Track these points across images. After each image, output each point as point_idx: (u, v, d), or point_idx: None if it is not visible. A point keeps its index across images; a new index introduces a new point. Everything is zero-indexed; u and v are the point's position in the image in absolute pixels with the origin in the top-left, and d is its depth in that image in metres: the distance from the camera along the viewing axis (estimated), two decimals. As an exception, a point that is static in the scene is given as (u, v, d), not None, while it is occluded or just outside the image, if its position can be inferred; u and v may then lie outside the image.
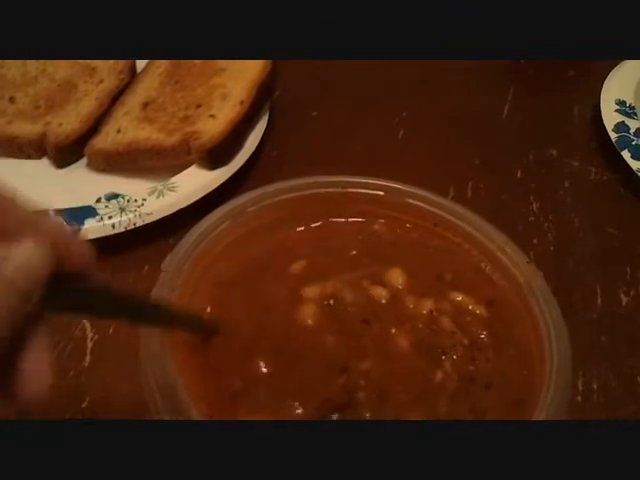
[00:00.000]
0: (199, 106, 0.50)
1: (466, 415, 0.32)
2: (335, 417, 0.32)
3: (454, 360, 0.34)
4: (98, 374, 0.39)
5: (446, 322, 0.36)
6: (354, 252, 0.39)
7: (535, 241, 0.48)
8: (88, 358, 0.40)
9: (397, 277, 0.38)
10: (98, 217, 0.43)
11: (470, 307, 0.37)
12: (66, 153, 0.49)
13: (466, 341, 0.35)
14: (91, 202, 0.45)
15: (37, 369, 0.23)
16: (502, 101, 0.60)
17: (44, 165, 0.50)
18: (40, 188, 0.45)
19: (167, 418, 0.29)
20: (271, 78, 0.52)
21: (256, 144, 0.49)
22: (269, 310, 0.35)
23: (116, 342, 0.40)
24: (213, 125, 0.48)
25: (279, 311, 0.35)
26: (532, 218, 0.50)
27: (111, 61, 0.55)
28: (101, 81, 0.53)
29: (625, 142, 0.54)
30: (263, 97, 0.51)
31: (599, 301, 0.45)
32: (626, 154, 0.53)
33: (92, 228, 0.43)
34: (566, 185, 0.53)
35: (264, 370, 0.32)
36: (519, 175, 0.53)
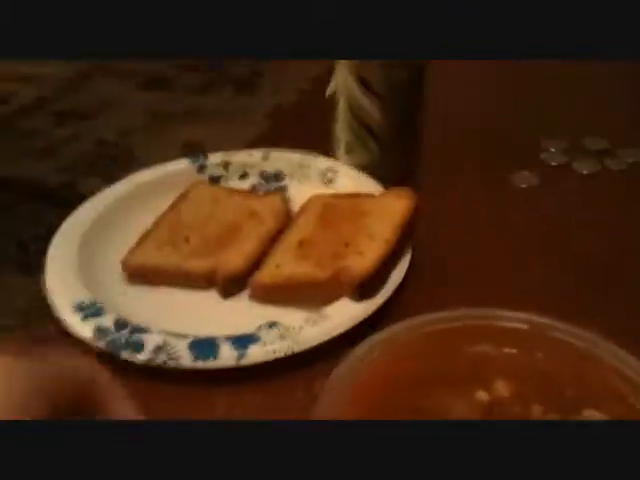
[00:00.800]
0: (347, 244, 0.55)
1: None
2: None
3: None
4: None
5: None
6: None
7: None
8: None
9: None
10: (261, 343, 0.48)
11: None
12: (232, 286, 0.55)
13: None
14: (252, 329, 0.49)
15: None
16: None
17: (212, 295, 0.56)
18: (208, 315, 0.54)
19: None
20: (413, 219, 0.56)
21: (400, 279, 0.53)
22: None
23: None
24: (362, 261, 0.52)
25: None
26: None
27: (270, 206, 0.61)
28: (262, 223, 0.60)
29: None
30: (406, 236, 0.55)
31: None
32: None
33: (255, 353, 0.47)
34: None
35: None
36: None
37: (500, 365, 0.42)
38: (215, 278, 0.55)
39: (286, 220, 0.60)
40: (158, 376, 0.47)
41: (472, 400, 0.40)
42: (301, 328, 0.49)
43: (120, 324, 0.49)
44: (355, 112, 0.63)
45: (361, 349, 0.41)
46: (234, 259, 0.56)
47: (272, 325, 0.49)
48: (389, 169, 0.66)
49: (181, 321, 0.51)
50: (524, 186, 0.68)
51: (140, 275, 0.56)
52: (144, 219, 0.60)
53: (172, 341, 0.48)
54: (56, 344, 0.50)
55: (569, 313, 0.43)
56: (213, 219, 0.60)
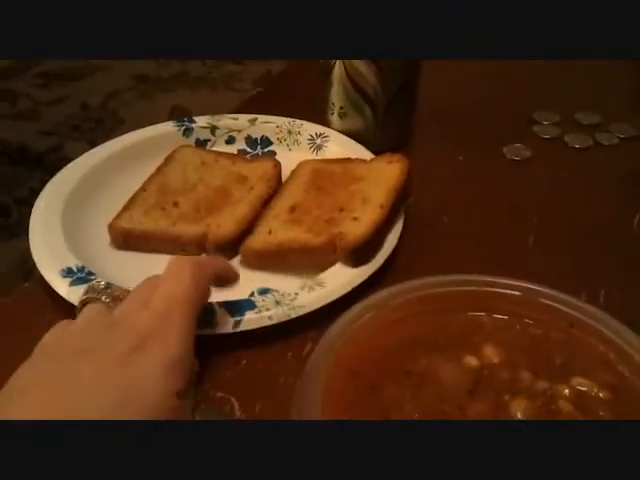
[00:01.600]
0: (342, 210, 0.54)
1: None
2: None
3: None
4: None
5: (564, 405, 0.38)
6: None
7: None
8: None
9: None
10: (256, 309, 0.47)
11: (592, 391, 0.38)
12: (224, 251, 0.54)
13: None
14: (245, 296, 0.49)
15: None
16: (633, 212, 0.61)
17: None
18: None
19: None
20: (407, 184, 0.56)
21: (394, 244, 0.53)
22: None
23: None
24: (357, 227, 0.52)
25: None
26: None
27: (260, 171, 0.60)
28: (252, 188, 0.59)
29: None
30: (400, 201, 0.55)
31: None
32: None
33: (251, 320, 0.47)
34: None
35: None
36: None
37: (490, 331, 0.42)
38: (206, 243, 0.55)
39: (276, 185, 0.59)
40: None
41: (461, 365, 0.40)
42: (296, 294, 0.48)
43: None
44: (351, 77, 0.62)
45: (351, 313, 0.41)
46: (225, 224, 0.55)
47: (264, 291, 0.49)
48: (383, 136, 0.66)
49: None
50: (517, 158, 0.68)
51: (127, 240, 0.55)
52: (130, 182, 0.59)
53: None
54: (38, 308, 0.49)
55: (561, 282, 0.44)
56: (202, 183, 0.59)
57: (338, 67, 0.63)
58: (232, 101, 1.82)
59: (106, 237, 0.55)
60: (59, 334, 0.40)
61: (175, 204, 0.57)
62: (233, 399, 0.44)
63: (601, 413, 0.37)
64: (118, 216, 0.56)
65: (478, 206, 0.62)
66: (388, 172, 0.57)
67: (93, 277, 0.49)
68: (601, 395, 0.38)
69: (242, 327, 0.47)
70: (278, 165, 0.61)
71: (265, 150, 0.66)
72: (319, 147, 0.65)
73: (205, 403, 0.43)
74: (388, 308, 0.42)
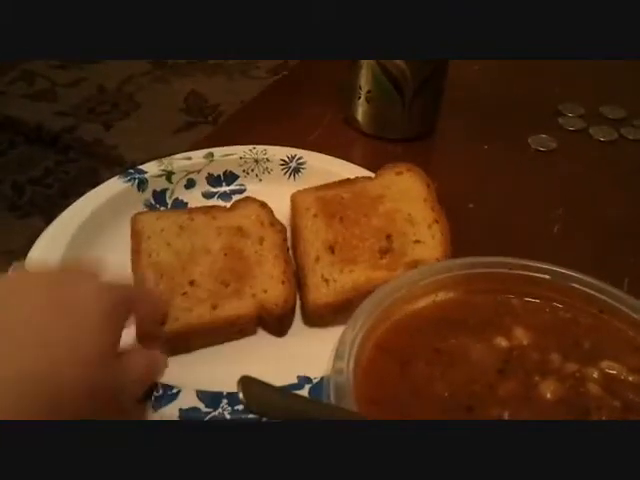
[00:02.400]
0: (389, 235, 0.51)
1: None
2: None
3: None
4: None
5: (593, 387, 0.38)
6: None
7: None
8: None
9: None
10: None
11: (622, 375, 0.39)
12: (288, 318, 0.49)
13: (617, 403, 0.37)
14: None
15: None
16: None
17: (261, 338, 0.49)
18: (278, 361, 0.46)
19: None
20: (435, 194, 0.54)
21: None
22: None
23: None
24: (432, 250, 0.50)
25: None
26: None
27: (251, 216, 0.53)
28: (262, 239, 0.52)
29: None
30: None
31: None
32: None
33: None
34: None
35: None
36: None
37: (520, 313, 0.43)
38: (264, 315, 0.48)
39: (282, 227, 0.53)
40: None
41: (491, 345, 0.41)
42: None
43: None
44: (382, 62, 0.62)
45: (382, 291, 0.42)
46: (270, 288, 0.48)
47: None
48: (409, 122, 0.66)
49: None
50: (542, 149, 0.68)
51: (176, 345, 0.47)
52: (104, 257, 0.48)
53: None
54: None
55: (585, 271, 0.44)
56: (201, 252, 0.51)
57: (368, 51, 0.63)
58: (247, 88, 1.83)
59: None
60: None
61: (192, 283, 0.48)
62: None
63: (630, 396, 0.38)
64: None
65: (503, 194, 0.63)
66: (406, 184, 0.54)
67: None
68: (630, 379, 0.38)
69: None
70: (265, 205, 0.54)
71: (232, 187, 0.60)
72: (296, 170, 0.60)
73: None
74: (418, 287, 0.43)
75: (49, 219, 0.53)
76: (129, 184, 0.57)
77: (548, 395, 0.38)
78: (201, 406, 0.41)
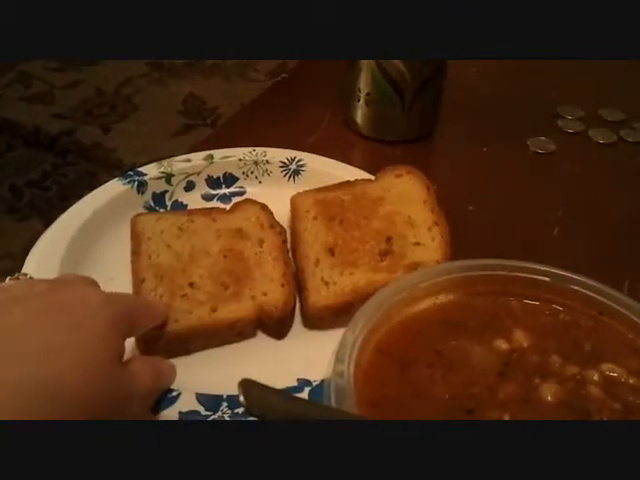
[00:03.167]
0: (390, 238, 0.51)
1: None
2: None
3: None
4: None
5: (593, 389, 0.38)
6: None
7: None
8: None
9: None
10: None
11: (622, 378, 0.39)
12: (288, 320, 0.48)
13: (618, 406, 0.37)
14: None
15: None
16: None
17: (260, 340, 0.49)
18: (278, 364, 0.46)
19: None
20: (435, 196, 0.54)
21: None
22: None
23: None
24: (432, 253, 0.50)
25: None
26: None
27: (251, 218, 0.53)
28: (262, 241, 0.52)
29: None
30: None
31: None
32: None
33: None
34: None
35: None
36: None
37: (519, 316, 0.43)
38: (263, 318, 0.48)
39: (282, 229, 0.53)
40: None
41: (491, 347, 0.41)
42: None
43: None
44: (380, 63, 0.62)
45: (383, 293, 0.42)
46: (270, 290, 0.48)
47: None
48: (408, 124, 0.66)
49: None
50: (541, 151, 0.68)
51: (171, 346, 0.46)
52: (101, 261, 0.52)
53: None
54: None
55: (584, 273, 0.44)
56: (201, 253, 0.51)
57: (368, 53, 0.63)
58: (246, 91, 1.83)
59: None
60: None
61: (191, 285, 0.48)
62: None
63: (631, 399, 0.38)
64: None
65: (502, 196, 0.63)
66: (406, 186, 0.54)
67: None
68: (631, 381, 0.38)
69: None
70: (265, 207, 0.54)
71: (232, 189, 0.60)
72: (296, 172, 0.60)
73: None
74: (418, 290, 0.43)
75: (48, 222, 0.53)
76: (128, 186, 0.57)
77: (548, 398, 0.38)
78: (201, 409, 0.41)
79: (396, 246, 0.50)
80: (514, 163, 0.67)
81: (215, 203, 0.59)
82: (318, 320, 0.49)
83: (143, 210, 0.57)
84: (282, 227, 0.53)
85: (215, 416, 0.41)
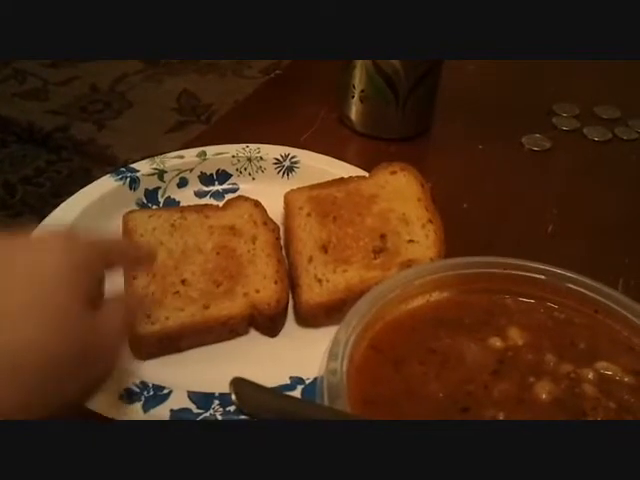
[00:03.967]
0: (383, 235, 0.50)
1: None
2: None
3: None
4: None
5: (588, 388, 0.38)
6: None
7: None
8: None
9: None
10: None
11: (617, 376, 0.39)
12: (280, 318, 0.48)
13: (612, 404, 0.37)
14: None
15: None
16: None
17: (253, 338, 0.48)
18: (270, 362, 0.46)
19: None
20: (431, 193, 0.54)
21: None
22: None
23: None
24: (425, 250, 0.49)
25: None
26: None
27: (244, 215, 0.53)
28: (255, 238, 0.51)
29: None
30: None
31: None
32: None
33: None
34: None
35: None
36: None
37: (514, 313, 0.42)
38: (255, 315, 0.47)
39: (276, 226, 0.53)
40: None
41: (486, 345, 0.40)
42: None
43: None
44: (376, 61, 0.62)
45: (377, 291, 0.41)
46: (262, 287, 0.48)
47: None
48: (403, 121, 0.66)
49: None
50: (536, 149, 0.68)
51: (163, 345, 0.46)
52: None
53: None
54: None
55: (579, 271, 0.43)
56: (194, 250, 0.50)
57: (362, 50, 0.63)
58: (240, 88, 1.83)
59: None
60: None
61: (184, 282, 0.48)
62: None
63: (625, 397, 0.37)
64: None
65: (497, 194, 0.62)
66: (400, 183, 0.54)
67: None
68: (626, 379, 0.38)
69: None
70: (259, 204, 0.54)
71: (225, 186, 0.59)
72: (290, 169, 0.59)
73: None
74: (412, 287, 0.43)
75: (41, 218, 0.53)
76: (121, 182, 0.57)
77: (543, 396, 0.37)
78: (192, 407, 0.41)
79: (390, 243, 0.50)
80: (509, 161, 0.67)
81: (208, 200, 0.58)
82: (311, 317, 0.48)
83: (135, 207, 0.56)
84: (275, 224, 0.53)
85: (207, 414, 0.41)
